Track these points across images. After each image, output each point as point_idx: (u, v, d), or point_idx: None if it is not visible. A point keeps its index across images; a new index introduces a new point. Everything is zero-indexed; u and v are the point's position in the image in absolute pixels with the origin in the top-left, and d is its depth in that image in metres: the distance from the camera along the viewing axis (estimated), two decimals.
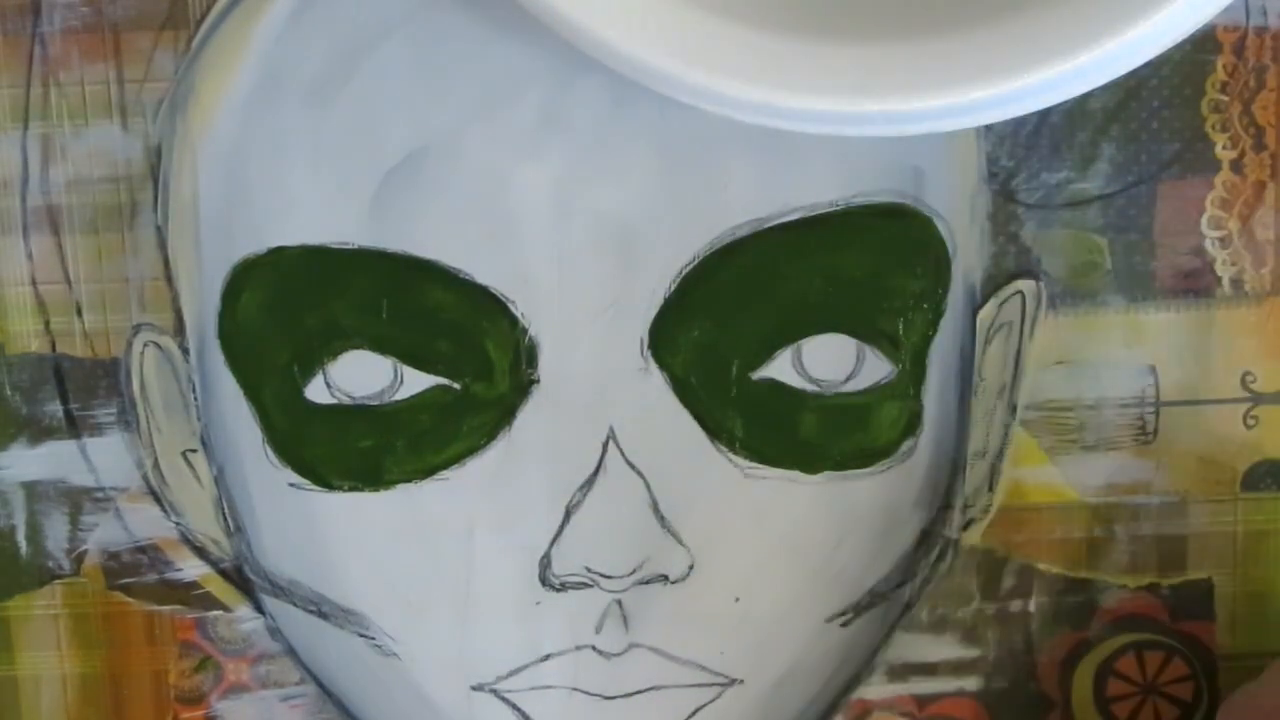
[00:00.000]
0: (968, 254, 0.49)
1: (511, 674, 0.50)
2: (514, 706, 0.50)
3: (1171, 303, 0.50)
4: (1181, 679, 0.52)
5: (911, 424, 0.49)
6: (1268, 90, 0.49)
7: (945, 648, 0.52)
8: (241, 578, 0.51)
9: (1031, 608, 0.52)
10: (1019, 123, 0.48)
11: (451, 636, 0.50)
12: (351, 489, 0.48)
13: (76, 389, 0.49)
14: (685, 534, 0.49)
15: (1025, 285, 0.50)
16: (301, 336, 0.47)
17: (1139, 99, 0.49)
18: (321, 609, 0.50)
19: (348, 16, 0.46)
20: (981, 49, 0.39)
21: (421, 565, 0.49)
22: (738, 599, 0.49)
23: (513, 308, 0.47)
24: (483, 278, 0.47)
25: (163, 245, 0.49)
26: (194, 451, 0.50)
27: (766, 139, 0.46)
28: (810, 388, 0.48)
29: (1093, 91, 0.48)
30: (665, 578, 0.49)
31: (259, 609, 0.51)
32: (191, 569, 0.51)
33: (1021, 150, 0.49)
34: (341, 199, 0.47)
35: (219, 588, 0.51)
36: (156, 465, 0.50)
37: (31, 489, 0.50)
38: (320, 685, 0.52)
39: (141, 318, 0.49)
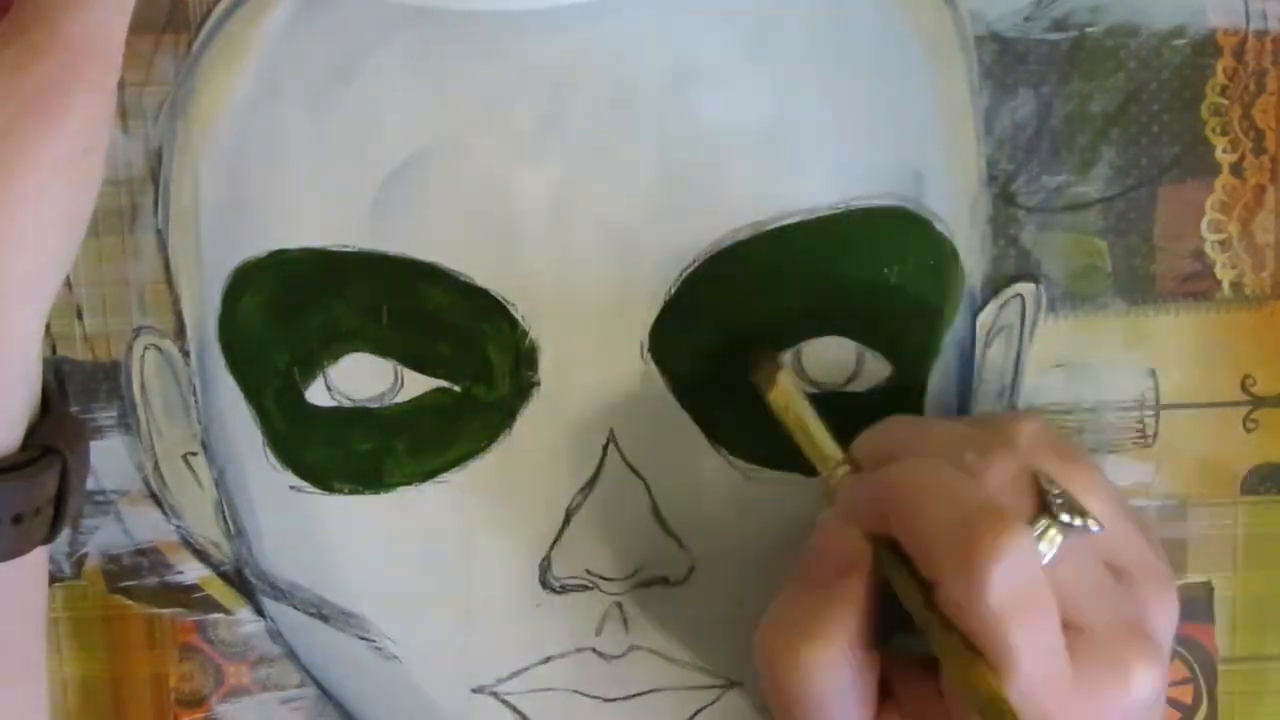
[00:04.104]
0: (968, 257, 0.49)
1: (512, 676, 0.50)
2: (514, 709, 0.50)
3: (1171, 306, 0.50)
4: (1181, 682, 0.52)
5: None
6: (1268, 94, 0.49)
7: None
8: (242, 580, 0.51)
9: None
10: (1019, 126, 0.48)
11: (452, 639, 0.50)
12: (352, 491, 0.49)
13: (77, 392, 0.49)
14: (685, 536, 0.49)
15: (1025, 288, 0.50)
16: (302, 339, 0.47)
17: (1139, 102, 0.49)
18: (322, 611, 0.50)
19: (347, 20, 0.46)
20: None
21: (422, 568, 0.49)
22: (738, 601, 0.49)
23: (513, 310, 0.47)
24: (483, 280, 0.47)
25: (163, 248, 0.49)
26: (194, 454, 0.50)
27: (766, 143, 0.46)
28: (810, 390, 0.48)
29: (1093, 95, 0.48)
30: (665, 580, 0.49)
31: (259, 612, 0.51)
32: (192, 572, 0.51)
33: (1021, 154, 0.49)
34: (342, 202, 0.47)
35: (219, 591, 0.51)
36: (157, 468, 0.50)
37: None
38: (320, 688, 0.52)
39: (142, 321, 0.49)
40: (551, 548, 0.49)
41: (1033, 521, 0.41)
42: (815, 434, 0.46)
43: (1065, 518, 0.41)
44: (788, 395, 0.46)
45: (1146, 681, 0.41)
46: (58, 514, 0.43)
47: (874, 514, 0.43)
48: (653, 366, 0.48)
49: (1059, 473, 0.43)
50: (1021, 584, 0.40)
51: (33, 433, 0.43)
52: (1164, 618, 0.44)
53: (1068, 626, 0.41)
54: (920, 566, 0.41)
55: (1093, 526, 0.42)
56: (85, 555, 0.50)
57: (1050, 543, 0.41)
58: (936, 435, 0.44)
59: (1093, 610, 0.41)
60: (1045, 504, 0.41)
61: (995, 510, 0.40)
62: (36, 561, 0.44)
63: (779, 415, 0.46)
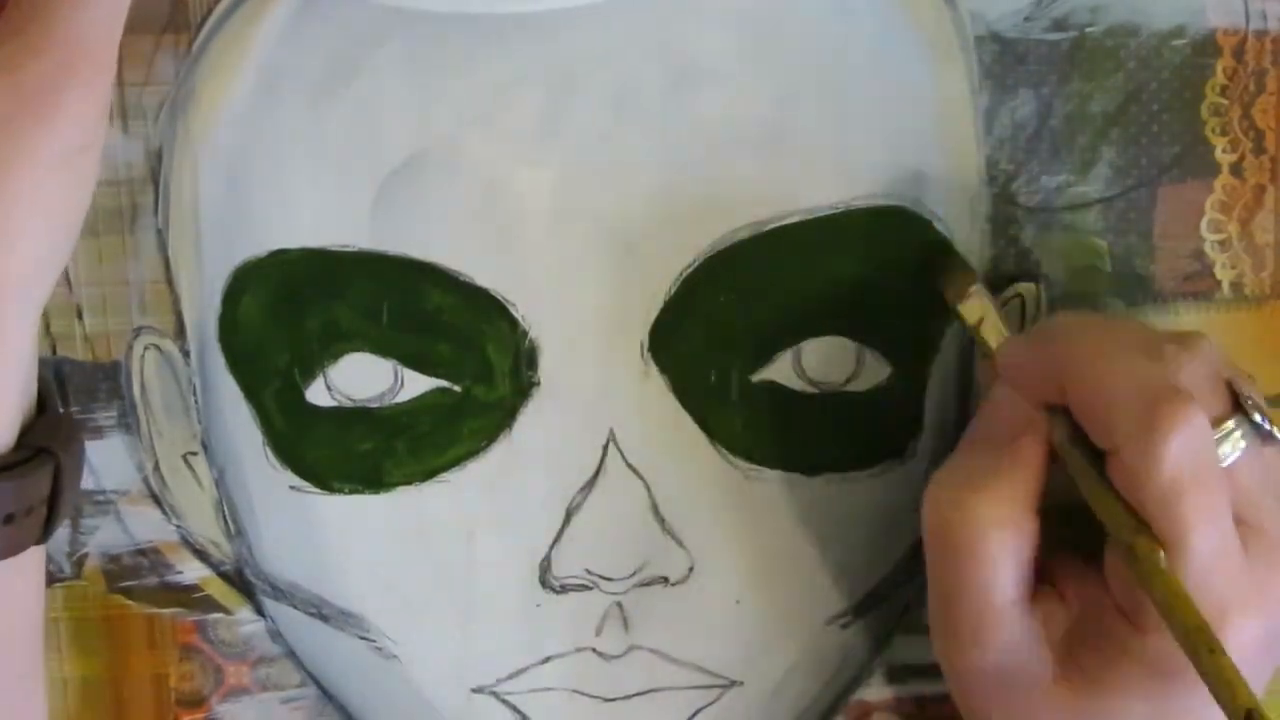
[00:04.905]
0: (967, 257, 0.49)
1: (512, 676, 0.50)
2: (514, 709, 0.50)
3: (1171, 306, 0.50)
4: None
5: (911, 426, 0.49)
6: (1268, 94, 0.49)
7: None
8: (242, 580, 0.51)
9: None
10: (1019, 126, 0.48)
11: (452, 639, 0.50)
12: (352, 491, 0.48)
13: (77, 392, 0.49)
14: (685, 536, 0.49)
15: (1025, 288, 0.50)
16: (302, 339, 0.47)
17: (1139, 102, 0.49)
18: (322, 611, 0.50)
19: (347, 20, 0.46)
20: None
21: (422, 567, 0.49)
22: (738, 601, 0.50)
23: (513, 310, 0.47)
24: (483, 280, 0.47)
25: (163, 248, 0.49)
26: (195, 454, 0.50)
27: (766, 143, 0.46)
28: (810, 390, 0.48)
29: (1093, 95, 0.48)
30: (665, 580, 0.49)
31: (259, 612, 0.51)
32: (192, 572, 0.51)
33: (1021, 154, 0.49)
34: (342, 202, 0.47)
35: (219, 590, 0.51)
36: (157, 468, 0.50)
37: None
38: (321, 688, 0.52)
39: (142, 320, 0.49)
40: (551, 547, 0.49)
41: (1224, 419, 0.42)
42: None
43: (1257, 418, 0.42)
44: (980, 310, 0.46)
45: None
46: (51, 514, 0.43)
47: (1046, 380, 0.43)
48: (653, 366, 0.48)
49: (1244, 383, 0.44)
50: (1196, 460, 0.41)
51: (26, 432, 0.43)
52: None
53: (1243, 523, 0.42)
54: (1095, 434, 0.42)
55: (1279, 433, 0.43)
56: (85, 555, 0.50)
57: (1234, 446, 0.42)
58: (1139, 324, 0.46)
59: (1266, 511, 0.42)
60: (1239, 404, 0.43)
61: (1178, 388, 0.41)
62: (32, 561, 0.44)
63: (968, 328, 0.47)
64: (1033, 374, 0.44)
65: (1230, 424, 0.42)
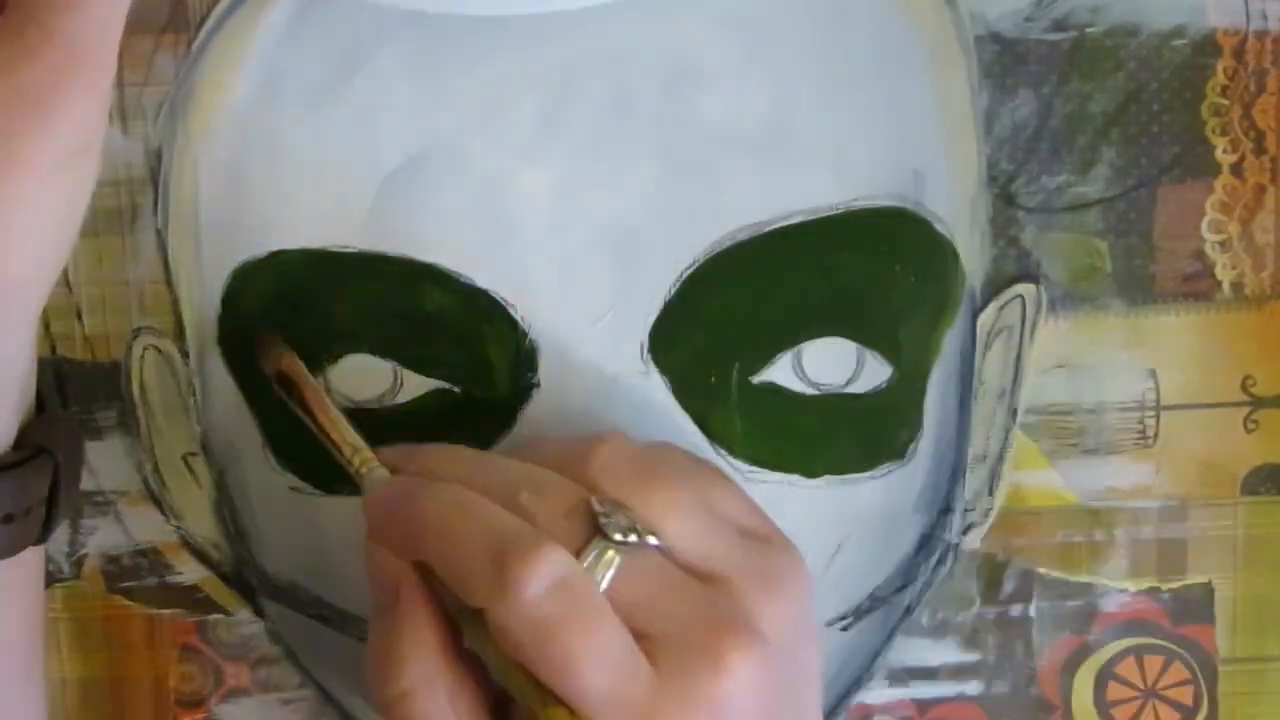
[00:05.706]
0: (968, 257, 0.49)
1: None
2: None
3: (1172, 306, 0.50)
4: (1182, 683, 0.52)
5: (911, 428, 0.49)
6: (1268, 94, 0.49)
7: (946, 652, 0.52)
8: (242, 581, 0.51)
9: (1032, 612, 0.52)
10: (1019, 126, 0.48)
11: None
12: (352, 493, 0.48)
13: (77, 392, 0.49)
14: None
15: (1025, 289, 0.50)
16: (301, 340, 0.47)
17: (1139, 102, 0.49)
18: (322, 612, 0.50)
19: (347, 20, 0.46)
20: None
21: None
22: None
23: (513, 311, 0.47)
24: (483, 281, 0.47)
25: (163, 249, 0.49)
26: (194, 455, 0.50)
27: (766, 143, 0.46)
28: (810, 391, 0.48)
29: (1093, 95, 0.48)
30: None
31: (259, 612, 0.51)
32: (192, 572, 0.51)
33: (1022, 154, 0.49)
34: (341, 202, 0.47)
35: (219, 591, 0.51)
36: (156, 469, 0.50)
37: None
38: (320, 688, 0.52)
39: (141, 321, 0.49)
40: None
41: (586, 547, 0.40)
42: (336, 418, 0.46)
43: (619, 537, 0.40)
44: (296, 371, 0.46)
45: (745, 666, 0.40)
46: (50, 514, 0.43)
47: (405, 541, 0.42)
48: (653, 367, 0.47)
49: (634, 494, 0.42)
50: (561, 599, 0.39)
51: (25, 432, 0.43)
52: (768, 610, 0.42)
53: (646, 636, 0.40)
54: (462, 596, 0.41)
55: (651, 541, 0.41)
56: (85, 555, 0.50)
57: (608, 564, 0.40)
58: (498, 470, 0.43)
59: (670, 616, 0.40)
60: (598, 528, 0.41)
61: (526, 532, 0.40)
62: (30, 562, 0.44)
63: (288, 392, 0.46)
64: (389, 531, 0.43)
65: (596, 545, 0.40)
